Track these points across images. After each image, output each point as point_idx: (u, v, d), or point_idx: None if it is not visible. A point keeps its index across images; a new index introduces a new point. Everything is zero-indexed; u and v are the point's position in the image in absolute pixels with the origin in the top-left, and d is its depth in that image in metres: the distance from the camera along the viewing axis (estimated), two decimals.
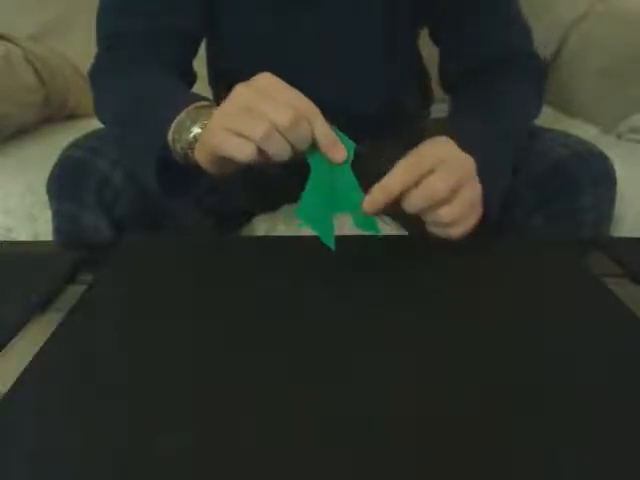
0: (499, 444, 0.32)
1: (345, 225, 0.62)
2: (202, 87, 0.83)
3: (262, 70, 0.47)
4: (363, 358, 0.40)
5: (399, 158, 0.81)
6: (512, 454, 0.31)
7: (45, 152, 0.66)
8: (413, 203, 0.48)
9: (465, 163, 0.51)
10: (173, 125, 0.51)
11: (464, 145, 0.53)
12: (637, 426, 0.33)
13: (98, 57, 0.68)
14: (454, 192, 0.48)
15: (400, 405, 0.35)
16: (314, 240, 0.48)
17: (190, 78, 0.72)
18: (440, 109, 0.92)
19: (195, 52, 0.73)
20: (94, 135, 0.67)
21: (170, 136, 0.52)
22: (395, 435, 0.33)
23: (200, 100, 0.54)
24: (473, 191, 0.50)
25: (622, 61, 1.20)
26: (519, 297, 0.47)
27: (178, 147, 0.51)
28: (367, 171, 0.81)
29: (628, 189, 0.76)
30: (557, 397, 0.36)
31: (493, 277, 0.44)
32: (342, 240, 0.47)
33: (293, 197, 0.85)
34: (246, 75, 0.46)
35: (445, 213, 0.48)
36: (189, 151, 0.51)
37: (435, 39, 0.77)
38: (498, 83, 0.68)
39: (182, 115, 0.51)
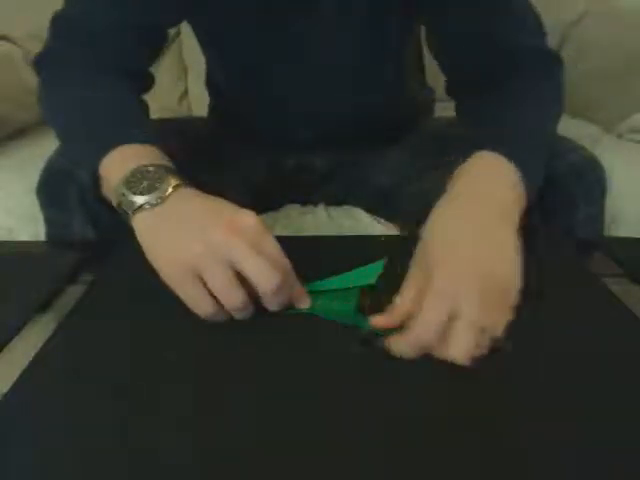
0: (499, 444, 0.32)
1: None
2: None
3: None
4: (363, 356, 0.40)
5: (399, 162, 0.80)
6: (512, 454, 0.31)
7: (45, 152, 0.65)
8: (424, 340, 0.39)
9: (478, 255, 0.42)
10: (122, 177, 0.46)
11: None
12: (637, 426, 0.33)
13: (50, 43, 0.63)
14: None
15: (401, 405, 0.35)
16: (314, 240, 0.48)
17: (145, 81, 0.67)
18: (443, 107, 0.92)
19: (156, 55, 0.68)
20: None
21: (115, 186, 0.47)
22: (395, 435, 0.33)
23: (150, 134, 0.51)
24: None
25: (621, 61, 1.20)
26: (519, 297, 0.47)
27: (116, 200, 0.47)
28: (367, 178, 0.81)
29: (628, 189, 0.76)
30: (557, 397, 0.36)
31: None
32: (342, 240, 0.47)
33: (294, 198, 0.86)
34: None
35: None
36: (130, 214, 0.46)
37: (432, 43, 0.69)
38: (511, 86, 0.61)
39: (132, 170, 0.46)
